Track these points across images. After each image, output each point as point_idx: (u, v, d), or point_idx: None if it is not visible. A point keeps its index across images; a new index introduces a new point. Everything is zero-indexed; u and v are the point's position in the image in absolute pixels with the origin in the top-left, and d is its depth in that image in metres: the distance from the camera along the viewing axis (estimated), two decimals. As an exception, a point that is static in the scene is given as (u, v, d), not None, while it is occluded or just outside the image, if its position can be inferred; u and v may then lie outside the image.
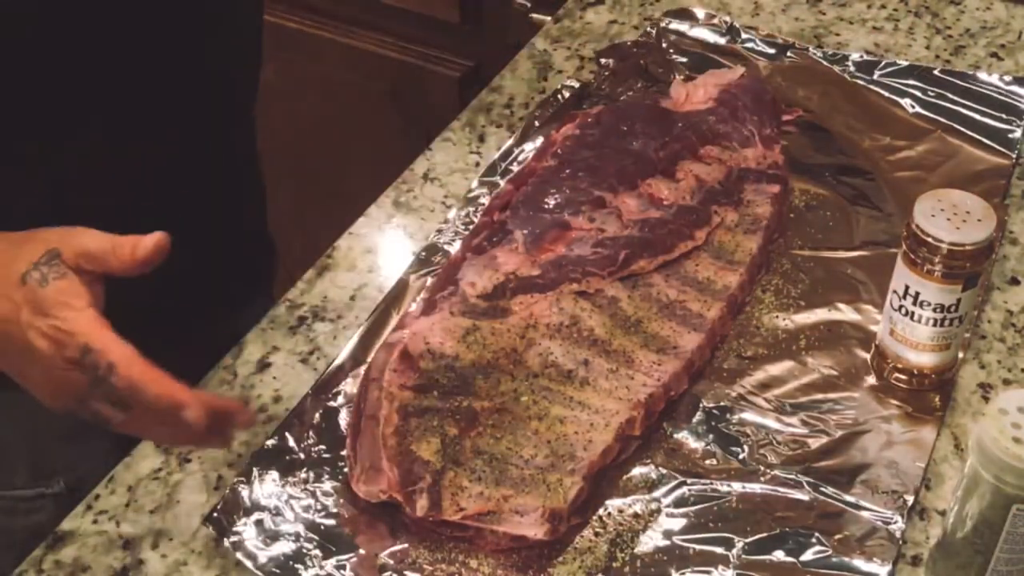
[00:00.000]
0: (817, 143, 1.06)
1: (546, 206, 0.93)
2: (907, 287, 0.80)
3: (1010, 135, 1.05)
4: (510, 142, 1.04)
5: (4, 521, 0.78)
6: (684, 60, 1.15)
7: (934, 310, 0.80)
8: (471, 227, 0.95)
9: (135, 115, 0.83)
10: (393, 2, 1.63)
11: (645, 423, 0.80)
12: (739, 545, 0.74)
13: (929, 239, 0.77)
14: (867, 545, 0.73)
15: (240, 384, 0.85)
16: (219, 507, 0.76)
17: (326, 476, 0.78)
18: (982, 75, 1.10)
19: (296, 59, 1.67)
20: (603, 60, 1.15)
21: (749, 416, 0.82)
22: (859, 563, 0.72)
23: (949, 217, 0.78)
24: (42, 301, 0.65)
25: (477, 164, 1.04)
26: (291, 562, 0.73)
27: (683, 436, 0.81)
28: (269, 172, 1.07)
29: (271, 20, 1.10)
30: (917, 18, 1.21)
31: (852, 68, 1.13)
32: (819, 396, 0.83)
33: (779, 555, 0.73)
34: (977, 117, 1.07)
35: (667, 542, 0.74)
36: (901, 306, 0.81)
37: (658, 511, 0.76)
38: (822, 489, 0.77)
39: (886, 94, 1.10)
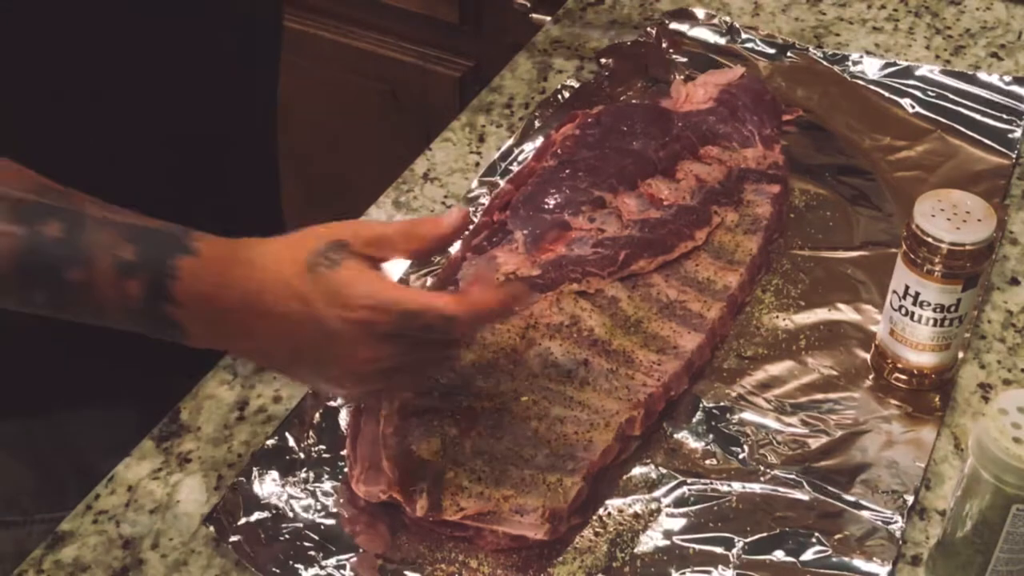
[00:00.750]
0: (817, 143, 1.06)
1: (546, 206, 0.93)
2: (907, 287, 0.80)
3: (1010, 135, 1.05)
4: (510, 142, 1.04)
5: None
6: (684, 60, 1.15)
7: (934, 310, 0.80)
8: (471, 227, 0.95)
9: (151, 118, 0.83)
10: (393, 2, 1.63)
11: (645, 423, 0.80)
12: (739, 545, 0.74)
13: (929, 239, 0.77)
14: (867, 545, 0.73)
15: (240, 384, 0.85)
16: (219, 507, 0.76)
17: (326, 476, 0.78)
18: (982, 75, 1.10)
19: (296, 59, 1.67)
20: (603, 60, 1.15)
21: (749, 416, 0.82)
22: (859, 563, 0.72)
23: (949, 217, 0.78)
24: (337, 286, 0.65)
25: (477, 164, 1.04)
26: (291, 562, 0.73)
27: (683, 436, 0.81)
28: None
29: (271, 20, 1.09)
30: (917, 18, 1.21)
31: (852, 68, 1.13)
32: (819, 396, 0.83)
33: (779, 555, 0.73)
34: (977, 117, 1.07)
35: (667, 542, 0.74)
36: (901, 306, 0.81)
37: (658, 511, 0.76)
38: (822, 489, 0.77)
39: (886, 94, 1.10)
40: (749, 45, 1.17)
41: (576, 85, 1.11)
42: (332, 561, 0.73)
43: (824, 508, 0.76)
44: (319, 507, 0.76)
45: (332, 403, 0.82)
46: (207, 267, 0.65)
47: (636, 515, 0.76)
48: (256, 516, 0.75)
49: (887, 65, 1.12)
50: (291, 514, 0.76)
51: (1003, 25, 1.20)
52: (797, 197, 1.00)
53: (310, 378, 0.72)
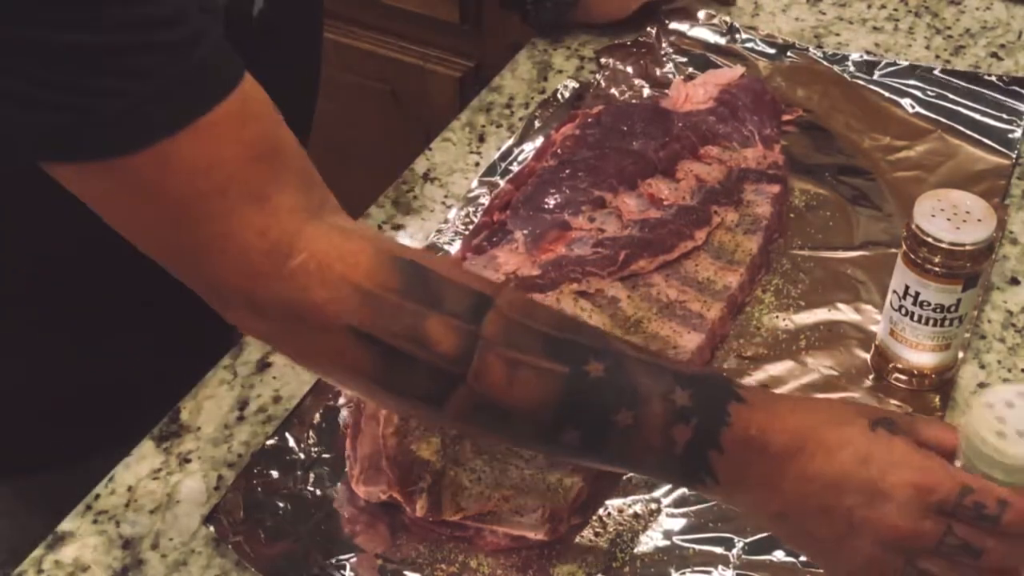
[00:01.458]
0: (817, 143, 1.06)
1: (546, 206, 0.93)
2: (907, 287, 0.80)
3: (1010, 135, 1.05)
4: (510, 142, 1.04)
5: None
6: (684, 60, 1.15)
7: (934, 310, 0.80)
8: (471, 227, 0.95)
9: None
10: (393, 2, 1.63)
11: (645, 423, 0.80)
12: (739, 545, 0.74)
13: (929, 239, 0.77)
14: (867, 545, 0.73)
15: (240, 384, 0.85)
16: (219, 507, 0.76)
17: (326, 476, 0.78)
18: (982, 75, 1.10)
19: (296, 59, 1.67)
20: (603, 60, 1.15)
21: (749, 416, 0.82)
22: (859, 563, 0.72)
23: (949, 217, 0.78)
24: (904, 452, 0.62)
25: (477, 164, 1.04)
26: (291, 562, 0.73)
27: (683, 436, 0.81)
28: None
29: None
30: (917, 18, 1.21)
31: (852, 68, 1.13)
32: (819, 396, 0.83)
33: (779, 555, 0.73)
34: (977, 117, 1.07)
35: (667, 542, 0.74)
36: (901, 306, 0.81)
37: (658, 511, 0.76)
38: (822, 489, 0.77)
39: (886, 94, 1.10)
40: (749, 45, 1.17)
41: (576, 85, 1.11)
42: (332, 561, 0.73)
43: (824, 508, 0.76)
44: (319, 507, 0.76)
45: (332, 403, 0.82)
46: (756, 412, 0.63)
47: (636, 515, 0.76)
48: (256, 516, 0.75)
49: (887, 65, 1.12)
50: (291, 514, 0.75)
51: (1003, 25, 1.20)
52: (797, 197, 1.00)
53: (825, 548, 0.64)
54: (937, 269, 0.78)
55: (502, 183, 0.99)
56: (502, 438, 0.69)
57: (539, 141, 1.04)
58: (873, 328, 0.87)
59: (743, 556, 0.73)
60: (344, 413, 0.81)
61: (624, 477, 0.78)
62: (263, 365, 0.87)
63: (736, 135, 1.03)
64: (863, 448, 0.62)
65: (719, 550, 0.74)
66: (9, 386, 0.87)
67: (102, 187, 0.60)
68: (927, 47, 1.17)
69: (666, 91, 1.11)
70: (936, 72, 1.11)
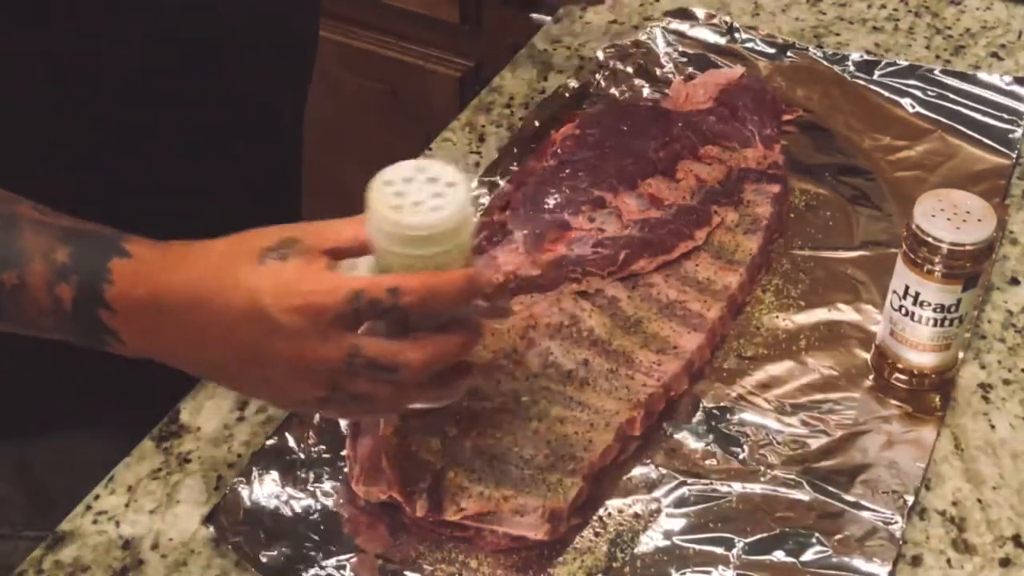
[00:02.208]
0: (817, 143, 1.06)
1: (546, 206, 0.93)
2: (907, 287, 0.80)
3: (1010, 135, 1.05)
4: (510, 142, 1.04)
5: None
6: (684, 60, 1.15)
7: (934, 310, 0.80)
8: (471, 227, 0.95)
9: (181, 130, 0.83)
10: (393, 2, 1.63)
11: (645, 423, 0.80)
12: (739, 545, 0.74)
13: (929, 239, 0.77)
14: (867, 545, 0.73)
15: (240, 384, 0.85)
16: (219, 507, 0.76)
17: (326, 476, 0.78)
18: (982, 75, 1.10)
19: (296, 59, 1.67)
20: (603, 60, 1.15)
21: (749, 416, 0.82)
22: (859, 563, 0.72)
23: (949, 217, 0.78)
24: (287, 277, 0.61)
25: (477, 164, 1.04)
26: (291, 562, 0.73)
27: (683, 436, 0.81)
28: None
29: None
30: (917, 18, 1.21)
31: (852, 68, 1.13)
32: (819, 396, 0.83)
33: (779, 555, 0.73)
34: (977, 117, 1.07)
35: (667, 542, 0.74)
36: (901, 306, 0.81)
37: (658, 511, 0.76)
38: (822, 489, 0.77)
39: (886, 94, 1.10)
40: (749, 45, 1.17)
41: (576, 85, 1.11)
42: (332, 561, 0.73)
43: (824, 508, 0.76)
44: (319, 507, 0.76)
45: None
46: (143, 268, 0.63)
47: (636, 515, 0.76)
48: (256, 516, 0.75)
49: (887, 65, 1.12)
50: (291, 514, 0.75)
51: (1003, 25, 1.20)
52: (797, 197, 1.00)
53: (259, 388, 0.67)
54: (937, 269, 0.78)
55: (502, 183, 0.99)
56: None
57: (539, 141, 1.04)
58: (873, 328, 0.87)
59: (743, 556, 0.73)
60: (344, 413, 0.81)
61: (624, 477, 0.78)
62: (263, 365, 0.87)
63: (736, 135, 1.03)
64: (253, 283, 0.61)
65: (719, 550, 0.74)
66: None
67: None
68: (927, 47, 1.17)
69: (666, 91, 1.11)
70: (936, 72, 1.11)
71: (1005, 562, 0.74)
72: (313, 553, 0.73)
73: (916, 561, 0.74)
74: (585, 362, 0.82)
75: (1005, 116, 1.07)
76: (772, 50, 1.16)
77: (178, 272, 0.63)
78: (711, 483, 0.78)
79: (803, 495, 0.77)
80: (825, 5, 1.24)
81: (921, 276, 0.79)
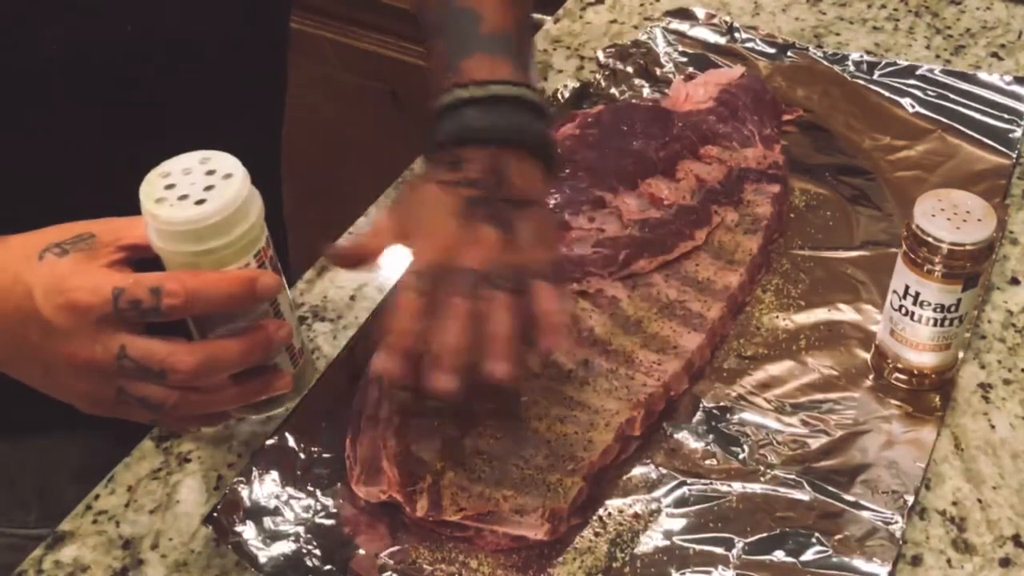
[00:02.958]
0: (817, 143, 1.06)
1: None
2: (907, 287, 0.80)
3: (1010, 135, 1.05)
4: (510, 142, 1.04)
5: (13, 558, 0.77)
6: (684, 60, 1.15)
7: (934, 310, 0.80)
8: (471, 227, 0.95)
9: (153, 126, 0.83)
10: (393, 2, 1.63)
11: (645, 423, 0.80)
12: (739, 545, 0.74)
13: (929, 239, 0.77)
14: (867, 545, 0.73)
15: (240, 384, 0.85)
16: (219, 507, 0.76)
17: (326, 476, 0.78)
18: (982, 75, 1.10)
19: (296, 59, 1.67)
20: (603, 60, 1.15)
21: (749, 416, 0.82)
22: (859, 563, 0.72)
23: (949, 217, 0.78)
24: (59, 275, 0.59)
25: (477, 164, 1.04)
26: (291, 562, 0.73)
27: (683, 436, 0.81)
28: (269, 172, 1.07)
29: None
30: (917, 18, 1.21)
31: (852, 68, 1.13)
32: (819, 396, 0.83)
33: (779, 555, 0.73)
34: (977, 117, 1.07)
35: (667, 542, 0.74)
36: (901, 306, 0.81)
37: (658, 511, 0.76)
38: (822, 489, 0.77)
39: (886, 94, 1.10)
40: (749, 45, 1.17)
41: (576, 85, 1.11)
42: (332, 561, 0.73)
43: (824, 508, 0.76)
44: (319, 507, 0.76)
45: (332, 403, 0.82)
46: None
47: (636, 515, 0.76)
48: (256, 516, 0.75)
49: (887, 65, 1.12)
50: (291, 514, 0.76)
51: (1003, 25, 1.20)
52: (797, 197, 1.00)
53: (51, 388, 0.64)
54: (937, 269, 0.78)
55: (502, 183, 0.99)
56: None
57: (539, 141, 1.04)
58: (873, 328, 0.87)
59: (743, 556, 0.73)
60: (344, 414, 0.81)
61: (624, 477, 0.78)
62: (263, 365, 0.87)
63: (736, 135, 1.03)
64: (29, 281, 0.60)
65: (719, 550, 0.74)
66: None
67: None
68: (927, 47, 1.17)
69: (666, 91, 1.11)
70: (936, 72, 1.11)
71: (1005, 562, 0.74)
72: (313, 553, 0.73)
73: (916, 561, 0.74)
74: (585, 362, 0.82)
75: (1005, 116, 1.06)
76: (772, 50, 1.16)
77: None
78: (711, 483, 0.78)
79: (803, 495, 0.77)
80: (825, 5, 1.24)
81: (921, 276, 0.79)
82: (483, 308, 0.65)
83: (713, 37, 1.18)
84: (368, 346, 0.85)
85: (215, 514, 0.75)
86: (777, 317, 0.89)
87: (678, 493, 0.77)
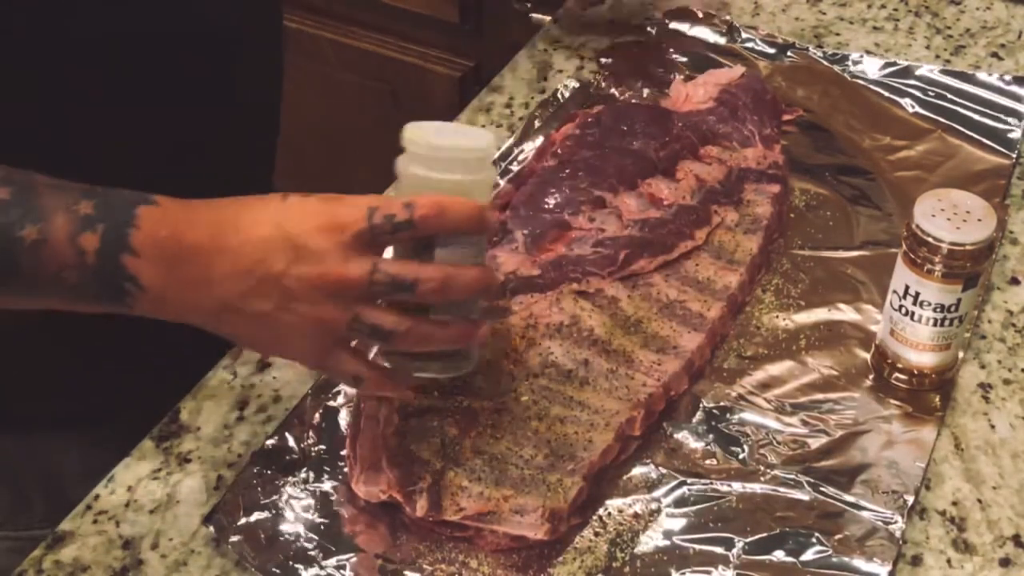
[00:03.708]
0: (817, 143, 1.06)
1: (546, 206, 0.93)
2: (907, 287, 0.80)
3: (1010, 135, 1.05)
4: (510, 142, 1.04)
5: (17, 561, 0.77)
6: (684, 60, 1.15)
7: (934, 310, 0.80)
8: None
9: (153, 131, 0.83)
10: (393, 2, 1.63)
11: (645, 423, 0.80)
12: (739, 545, 0.74)
13: (929, 239, 0.77)
14: (867, 545, 0.73)
15: (240, 384, 0.85)
16: (219, 507, 0.76)
17: (326, 476, 0.78)
18: (982, 75, 1.10)
19: (296, 59, 1.67)
20: (603, 60, 1.15)
21: (749, 416, 0.82)
22: (859, 563, 0.72)
23: (949, 217, 0.78)
24: (311, 203, 0.64)
25: (477, 164, 1.04)
26: (291, 562, 0.73)
27: (683, 436, 0.81)
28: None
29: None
30: (917, 18, 1.21)
31: (852, 68, 1.13)
32: (819, 396, 0.83)
33: (779, 555, 0.73)
34: (977, 117, 1.07)
35: (667, 542, 0.74)
36: (901, 306, 0.81)
37: (658, 511, 0.76)
38: (822, 489, 0.77)
39: (886, 94, 1.10)
40: (749, 45, 1.17)
41: (576, 85, 1.11)
42: (332, 561, 0.73)
43: (824, 508, 0.76)
44: (319, 507, 0.76)
45: (332, 403, 0.82)
46: (169, 213, 0.64)
47: (636, 515, 0.76)
48: (256, 516, 0.75)
49: (887, 65, 1.12)
50: (291, 514, 0.76)
51: (1003, 25, 1.20)
52: (797, 197, 1.00)
53: (273, 331, 0.66)
54: (937, 269, 0.78)
55: (502, 183, 0.99)
56: None
57: (539, 141, 1.04)
58: (873, 328, 0.87)
59: (743, 556, 0.73)
60: (344, 413, 0.81)
61: (624, 477, 0.78)
62: (263, 365, 0.87)
63: (736, 135, 1.03)
64: (276, 215, 0.63)
65: (719, 550, 0.74)
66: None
67: None
68: (927, 47, 1.17)
69: (666, 91, 1.11)
70: (936, 72, 1.11)
71: (1005, 562, 0.74)
72: (313, 553, 0.73)
73: (916, 561, 0.74)
74: (585, 362, 0.82)
75: (1005, 116, 1.07)
76: (772, 50, 1.16)
77: (201, 212, 0.64)
78: (711, 483, 0.78)
79: (803, 495, 0.77)
80: (825, 5, 1.24)
81: (921, 276, 0.79)
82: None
83: (713, 37, 1.18)
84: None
85: (215, 514, 0.75)
86: (777, 317, 0.89)
87: (678, 493, 0.77)
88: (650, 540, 0.75)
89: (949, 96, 1.09)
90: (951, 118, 1.07)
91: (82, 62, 0.72)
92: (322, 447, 0.80)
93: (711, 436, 0.81)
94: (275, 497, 0.76)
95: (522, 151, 1.03)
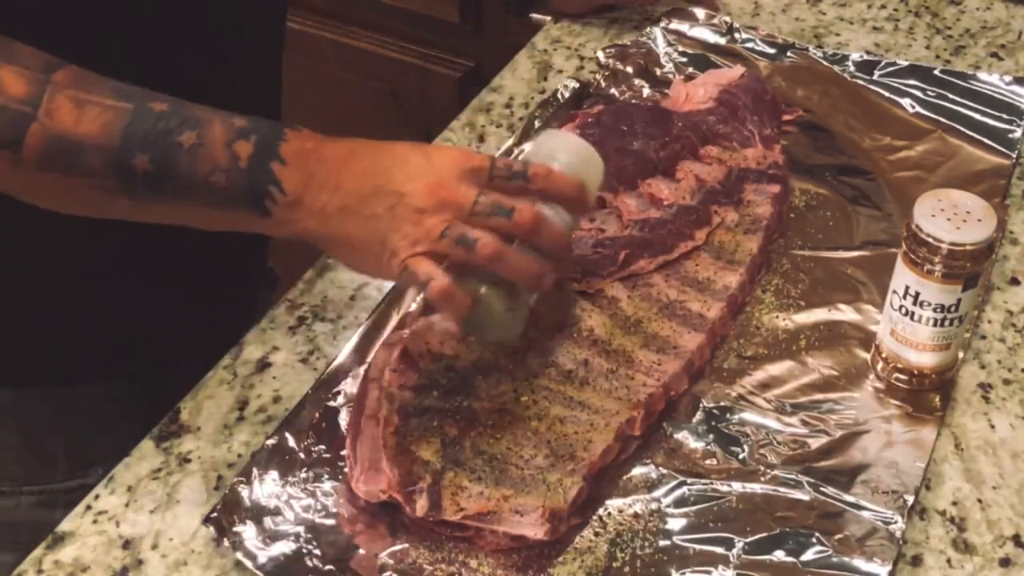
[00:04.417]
0: (817, 143, 1.06)
1: (546, 206, 0.93)
2: (907, 287, 0.80)
3: (1010, 135, 1.05)
4: (510, 142, 1.04)
5: (44, 515, 0.78)
6: (684, 60, 1.15)
7: (934, 310, 0.80)
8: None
9: None
10: (393, 2, 1.63)
11: (645, 423, 0.80)
12: (739, 545, 0.74)
13: (929, 239, 0.77)
14: (867, 545, 0.73)
15: (240, 384, 0.85)
16: (219, 507, 0.76)
17: (326, 476, 0.78)
18: (982, 75, 1.10)
19: (296, 59, 1.67)
20: (603, 60, 1.15)
21: (749, 416, 0.82)
22: (859, 563, 0.72)
23: (949, 217, 0.78)
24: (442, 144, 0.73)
25: (477, 164, 1.04)
26: (291, 562, 0.73)
27: (683, 436, 0.81)
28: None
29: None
30: (917, 18, 1.21)
31: (852, 68, 1.13)
32: (819, 396, 0.83)
33: (779, 555, 0.73)
34: (977, 117, 1.07)
35: (667, 542, 0.74)
36: (901, 306, 0.81)
37: (658, 511, 0.76)
38: (822, 489, 0.77)
39: (886, 94, 1.10)
40: (749, 45, 1.17)
41: (576, 85, 1.11)
42: (332, 561, 0.73)
43: (824, 508, 0.76)
44: (319, 507, 0.76)
45: (332, 403, 0.82)
46: (311, 135, 0.73)
47: (636, 515, 0.76)
48: (256, 516, 0.75)
49: (887, 65, 1.12)
50: (291, 514, 0.76)
51: (1003, 25, 1.20)
52: (797, 197, 1.00)
53: (368, 233, 0.73)
54: (937, 269, 0.78)
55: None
56: (79, 178, 0.70)
57: (539, 141, 1.04)
58: (873, 328, 0.87)
59: (743, 556, 0.73)
60: (344, 413, 0.81)
61: (624, 477, 0.78)
62: (263, 365, 0.87)
63: (736, 135, 1.03)
64: (411, 145, 0.74)
65: (719, 550, 0.74)
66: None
67: None
68: (927, 47, 1.17)
69: (666, 91, 1.11)
70: (936, 72, 1.11)
71: (1005, 562, 0.74)
72: (313, 553, 0.73)
73: (916, 561, 0.74)
74: (585, 362, 0.82)
75: (1005, 116, 1.07)
76: (772, 50, 1.16)
77: (340, 139, 0.74)
78: (711, 483, 0.78)
79: (803, 495, 0.77)
80: (825, 5, 1.24)
81: (921, 276, 0.79)
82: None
83: (713, 37, 1.18)
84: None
85: (215, 514, 0.75)
86: (777, 317, 0.89)
87: (678, 493, 0.77)
88: (650, 540, 0.75)
89: (949, 96, 1.09)
90: (951, 118, 1.07)
91: (82, 62, 0.73)
92: (322, 447, 0.80)
93: (711, 436, 0.81)
94: (275, 497, 0.76)
95: (522, 151, 1.03)
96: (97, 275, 0.87)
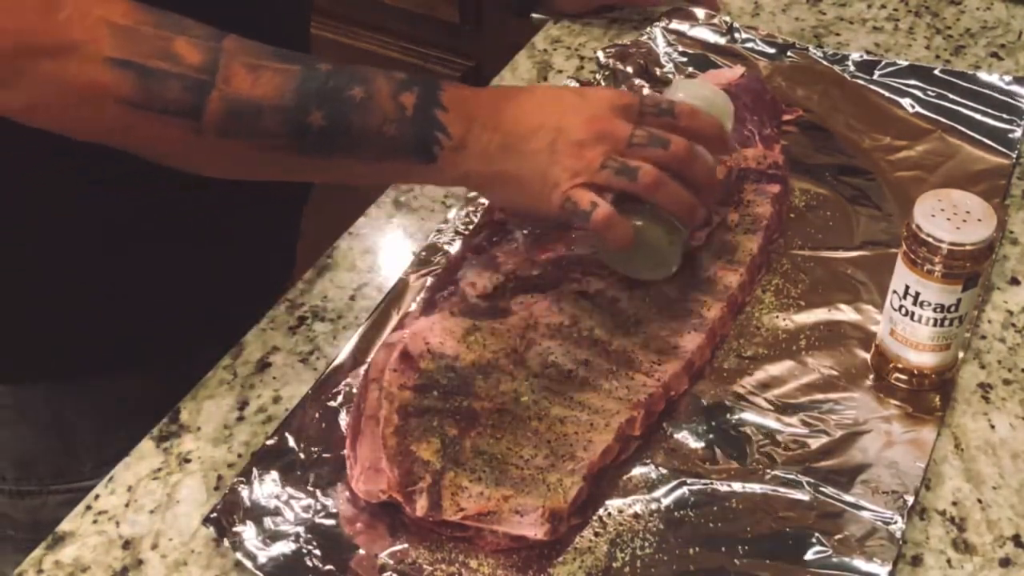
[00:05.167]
0: (817, 143, 1.06)
1: (546, 206, 0.93)
2: (907, 287, 0.80)
3: (1010, 135, 1.05)
4: (510, 142, 1.04)
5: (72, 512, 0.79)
6: (684, 60, 1.15)
7: (934, 310, 0.80)
8: (471, 227, 0.95)
9: None
10: (393, 2, 1.63)
11: (645, 423, 0.80)
12: (739, 545, 0.74)
13: (929, 239, 0.77)
14: (867, 545, 0.73)
15: (240, 384, 0.85)
16: (219, 507, 0.76)
17: (326, 476, 0.78)
18: (982, 75, 1.10)
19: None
20: (603, 60, 1.15)
21: (749, 416, 0.82)
22: (859, 563, 0.72)
23: (949, 217, 0.78)
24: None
25: (477, 164, 1.04)
26: (291, 562, 0.73)
27: (683, 436, 0.81)
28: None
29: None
30: (917, 18, 1.21)
31: (852, 68, 1.13)
32: (819, 396, 0.83)
33: (779, 555, 0.73)
34: (977, 117, 1.07)
35: (667, 542, 0.74)
36: (901, 306, 0.81)
37: (658, 511, 0.76)
38: (822, 489, 0.77)
39: (886, 94, 1.10)
40: (749, 45, 1.17)
41: (576, 85, 1.11)
42: (332, 561, 0.73)
43: (824, 508, 0.76)
44: (319, 507, 0.76)
45: (332, 403, 0.82)
46: (464, 85, 0.79)
47: (636, 515, 0.76)
48: (256, 516, 0.75)
49: (887, 65, 1.12)
50: (291, 514, 0.75)
51: (1003, 25, 1.20)
52: (797, 197, 1.00)
53: (530, 169, 0.76)
54: (937, 269, 0.78)
55: (502, 183, 0.99)
56: (256, 140, 0.73)
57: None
58: (873, 328, 0.87)
59: (743, 556, 0.73)
60: (344, 413, 0.81)
61: (624, 477, 0.78)
62: (263, 365, 0.87)
63: (736, 135, 1.03)
64: (561, 87, 0.81)
65: (719, 550, 0.74)
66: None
67: None
68: (927, 47, 1.17)
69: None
70: (936, 72, 1.11)
71: (1005, 562, 0.74)
72: (313, 553, 0.73)
73: (916, 561, 0.74)
74: (585, 362, 0.82)
75: (1005, 116, 1.07)
76: (772, 50, 1.16)
77: (490, 87, 0.81)
78: (711, 483, 0.78)
79: (803, 495, 0.77)
80: (825, 5, 1.24)
81: (921, 276, 0.79)
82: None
83: (713, 37, 1.18)
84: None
85: (215, 514, 0.75)
86: (777, 317, 0.89)
87: (678, 493, 0.77)
88: (650, 540, 0.75)
89: (949, 96, 1.09)
90: (951, 118, 1.07)
91: None
92: (322, 447, 0.80)
93: (711, 436, 0.81)
94: (275, 497, 0.76)
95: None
96: (135, 263, 0.88)
